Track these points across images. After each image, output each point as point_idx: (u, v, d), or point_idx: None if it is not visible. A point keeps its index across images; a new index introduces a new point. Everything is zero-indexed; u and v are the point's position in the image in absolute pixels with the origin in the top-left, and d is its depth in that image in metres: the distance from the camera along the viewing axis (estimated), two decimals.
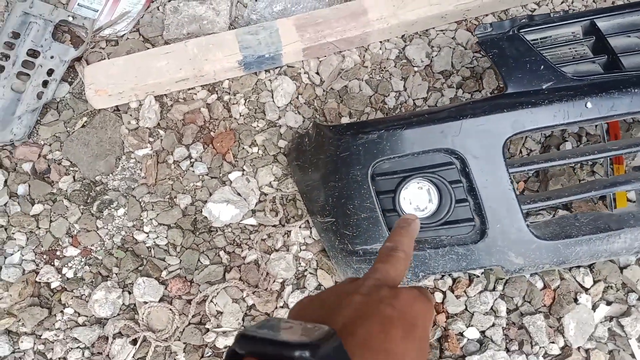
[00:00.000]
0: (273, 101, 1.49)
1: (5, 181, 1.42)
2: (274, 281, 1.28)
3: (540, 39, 1.19)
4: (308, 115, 1.47)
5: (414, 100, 1.45)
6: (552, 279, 1.23)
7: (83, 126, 1.49)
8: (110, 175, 1.44)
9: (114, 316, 1.27)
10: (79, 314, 1.28)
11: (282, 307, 1.28)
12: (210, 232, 1.35)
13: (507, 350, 1.21)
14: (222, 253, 1.32)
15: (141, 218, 1.37)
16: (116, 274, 1.31)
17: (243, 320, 1.27)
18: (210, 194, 1.38)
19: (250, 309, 1.28)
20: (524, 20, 1.20)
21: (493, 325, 1.22)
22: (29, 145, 1.47)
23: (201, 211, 1.36)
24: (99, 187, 1.42)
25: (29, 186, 1.42)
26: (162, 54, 1.47)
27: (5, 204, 1.40)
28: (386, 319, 0.35)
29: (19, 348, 1.27)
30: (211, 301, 1.27)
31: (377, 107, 1.46)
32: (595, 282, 1.24)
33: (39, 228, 1.38)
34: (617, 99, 1.03)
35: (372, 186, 1.10)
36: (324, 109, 1.47)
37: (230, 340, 1.24)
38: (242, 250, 1.32)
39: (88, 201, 1.40)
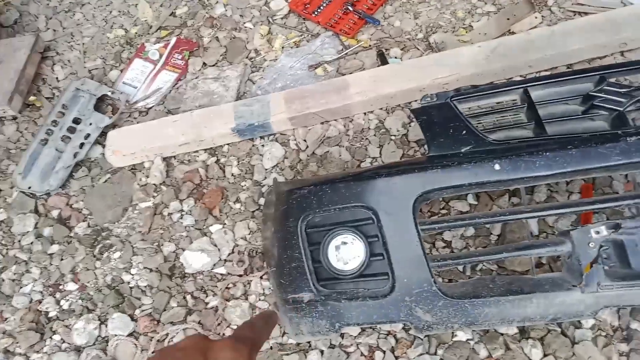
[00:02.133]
0: (262, 164, 1.64)
1: (36, 224, 1.69)
2: (228, 326, 1.37)
3: (479, 106, 1.23)
4: (290, 177, 1.59)
5: None
6: (495, 347, 1.19)
7: (105, 181, 1.75)
8: (116, 223, 1.65)
9: (89, 345, 1.42)
10: (63, 340, 1.46)
11: None
12: (183, 277, 1.48)
13: None
14: (189, 297, 1.44)
15: (131, 261, 1.55)
16: (100, 308, 1.48)
17: None
18: (192, 243, 1.53)
19: None
20: (468, 89, 1.26)
21: None
22: (60, 195, 1.75)
23: (179, 258, 1.51)
24: (105, 233, 1.63)
25: (53, 229, 1.67)
26: (170, 122, 1.71)
27: (31, 243, 1.65)
28: None
29: None
30: (170, 340, 1.38)
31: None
32: (545, 355, 1.17)
33: (52, 264, 1.61)
34: (525, 162, 1.03)
35: (302, 237, 1.18)
36: (304, 172, 1.59)
37: None
38: (206, 296, 1.44)
39: (94, 244, 1.62)
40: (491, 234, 1.33)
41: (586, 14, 1.61)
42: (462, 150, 1.11)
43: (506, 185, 1.06)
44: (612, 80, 1.17)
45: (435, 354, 1.23)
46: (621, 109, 1.11)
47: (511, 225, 1.29)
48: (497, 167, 1.05)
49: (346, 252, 1.15)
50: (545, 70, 1.55)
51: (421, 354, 1.23)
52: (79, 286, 1.55)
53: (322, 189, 1.17)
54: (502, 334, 1.20)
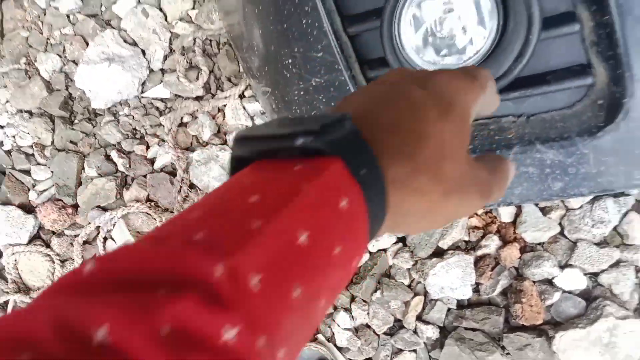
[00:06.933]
0: None
1: None
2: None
3: None
4: None
5: None
6: None
7: None
8: None
9: None
10: None
11: None
12: (94, 117, 0.78)
13: None
14: (115, 154, 0.76)
15: None
16: None
17: None
18: (88, 47, 0.77)
19: None
20: None
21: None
22: None
23: (74, 82, 0.77)
24: None
25: None
26: None
27: None
28: (416, 100, 0.27)
29: None
30: (106, 238, 0.75)
31: None
32: None
33: None
34: None
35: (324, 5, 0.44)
36: None
37: None
38: (147, 148, 0.75)
39: None
40: None
41: None
42: None
43: None
44: None
45: None
46: None
47: None
48: None
49: (457, 23, 0.44)
50: None
51: None
52: None
53: None
54: None
